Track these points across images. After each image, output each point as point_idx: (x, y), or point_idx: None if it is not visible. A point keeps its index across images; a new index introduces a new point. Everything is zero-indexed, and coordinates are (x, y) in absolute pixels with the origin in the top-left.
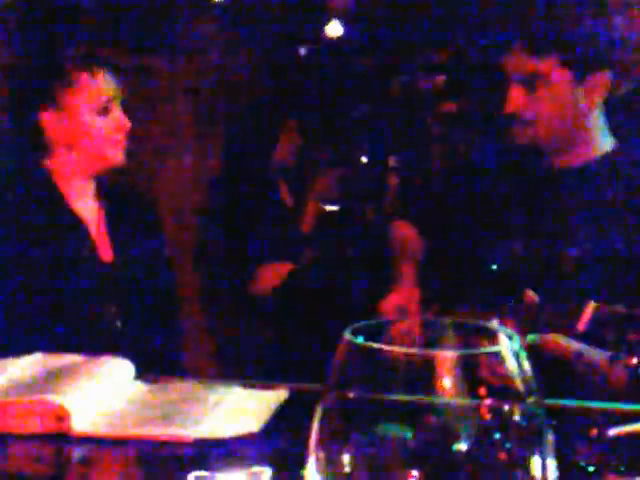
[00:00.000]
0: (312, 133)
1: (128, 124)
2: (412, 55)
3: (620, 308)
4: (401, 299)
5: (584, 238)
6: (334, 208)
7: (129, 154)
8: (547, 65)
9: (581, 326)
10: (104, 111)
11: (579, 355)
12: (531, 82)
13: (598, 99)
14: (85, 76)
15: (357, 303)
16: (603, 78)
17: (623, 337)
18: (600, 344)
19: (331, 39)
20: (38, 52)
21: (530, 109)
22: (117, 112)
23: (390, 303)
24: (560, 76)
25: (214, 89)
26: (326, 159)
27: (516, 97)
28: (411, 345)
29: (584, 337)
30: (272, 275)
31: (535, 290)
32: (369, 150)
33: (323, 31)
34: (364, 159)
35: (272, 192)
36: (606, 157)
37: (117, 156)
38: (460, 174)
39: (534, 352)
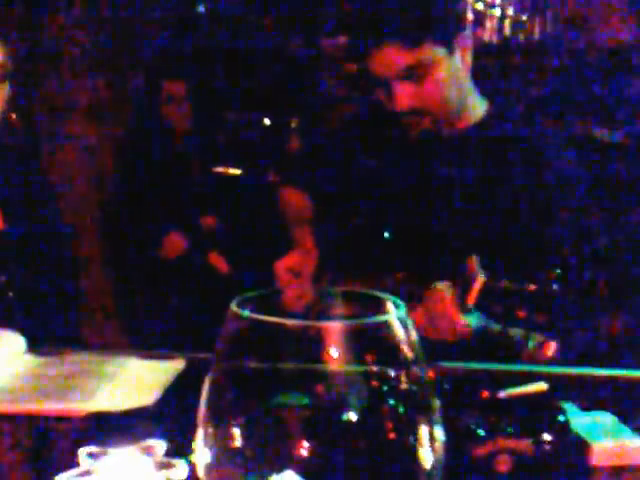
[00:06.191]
0: (211, 97)
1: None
2: (313, 15)
3: (508, 283)
4: (294, 262)
5: (470, 208)
6: (237, 172)
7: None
8: (424, 51)
9: (470, 300)
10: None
11: (482, 329)
12: (412, 74)
13: (469, 58)
14: None
15: (258, 269)
16: (465, 37)
17: (511, 312)
18: (489, 318)
19: None
20: None
21: (421, 100)
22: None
23: (282, 265)
24: (437, 56)
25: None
26: (229, 122)
27: (403, 94)
28: (302, 314)
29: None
30: (176, 243)
31: (426, 263)
32: (271, 112)
33: None
34: (266, 121)
35: (176, 159)
36: (482, 121)
37: None
38: (348, 138)
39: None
